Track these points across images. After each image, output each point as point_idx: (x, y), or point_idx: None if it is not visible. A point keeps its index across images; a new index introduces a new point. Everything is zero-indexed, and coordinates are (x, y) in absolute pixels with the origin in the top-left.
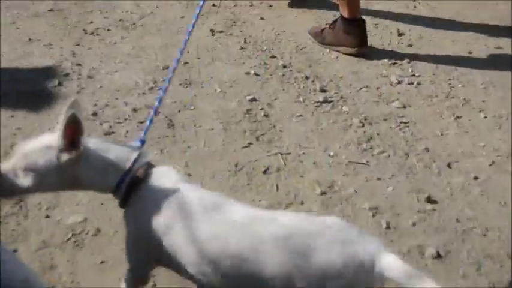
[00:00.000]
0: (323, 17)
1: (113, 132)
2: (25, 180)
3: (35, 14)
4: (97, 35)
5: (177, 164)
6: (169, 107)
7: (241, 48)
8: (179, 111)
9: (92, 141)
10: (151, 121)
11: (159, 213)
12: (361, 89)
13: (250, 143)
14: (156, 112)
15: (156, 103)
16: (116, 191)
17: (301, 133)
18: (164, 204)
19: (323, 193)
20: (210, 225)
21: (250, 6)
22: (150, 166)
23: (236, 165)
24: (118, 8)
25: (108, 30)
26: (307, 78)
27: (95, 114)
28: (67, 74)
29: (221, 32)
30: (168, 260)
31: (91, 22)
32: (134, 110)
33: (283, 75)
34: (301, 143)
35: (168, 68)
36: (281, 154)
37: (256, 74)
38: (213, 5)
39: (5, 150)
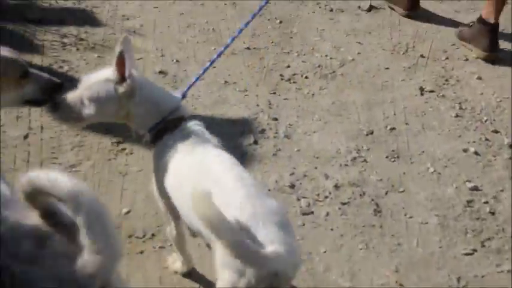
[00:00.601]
0: None
1: (311, 213)
2: (88, 109)
3: (232, 51)
4: (294, 82)
5: (385, 267)
6: (374, 185)
7: (456, 115)
8: (386, 193)
9: (144, 82)
10: (197, 78)
11: (167, 157)
12: None
13: (474, 250)
14: (199, 79)
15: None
16: (149, 131)
17: None
18: (170, 151)
19: None
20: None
21: (465, 60)
22: (181, 119)
23: (458, 280)
24: (317, 51)
25: (306, 77)
26: None
27: (292, 186)
28: (263, 131)
29: (431, 91)
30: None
31: (288, 66)
32: (336, 186)
33: (511, 158)
34: None
35: (372, 133)
36: None
37: (476, 153)
38: (422, 55)
39: None
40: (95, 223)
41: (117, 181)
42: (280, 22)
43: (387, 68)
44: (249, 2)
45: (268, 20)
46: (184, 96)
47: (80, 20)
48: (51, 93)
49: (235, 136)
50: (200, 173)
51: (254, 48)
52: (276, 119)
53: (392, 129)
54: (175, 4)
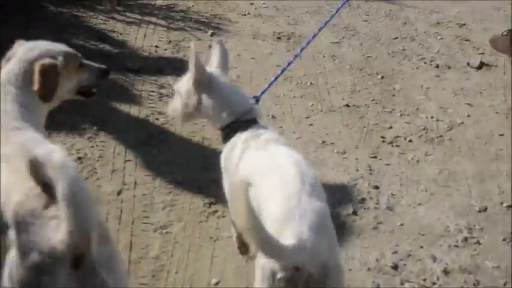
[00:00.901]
0: None
1: None
2: (179, 103)
3: (330, 108)
4: (397, 145)
5: None
6: (490, 274)
7: None
8: (505, 285)
9: (220, 82)
10: (271, 82)
11: (237, 153)
12: None
13: None
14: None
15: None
16: (222, 130)
17: None
18: (236, 149)
19: None
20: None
21: None
22: (251, 121)
23: None
24: (421, 112)
25: (410, 141)
26: None
27: (395, 266)
28: (363, 200)
29: None
30: None
31: (390, 127)
32: (445, 271)
33: None
34: None
35: (485, 210)
36: None
37: None
38: None
39: None
40: (70, 197)
41: (207, 247)
42: (382, 78)
43: (501, 135)
44: (348, 56)
45: (369, 75)
46: (257, 100)
47: (177, 69)
48: (101, 78)
49: (332, 205)
50: (268, 167)
51: (354, 105)
52: (377, 187)
53: (509, 206)
54: (273, 55)
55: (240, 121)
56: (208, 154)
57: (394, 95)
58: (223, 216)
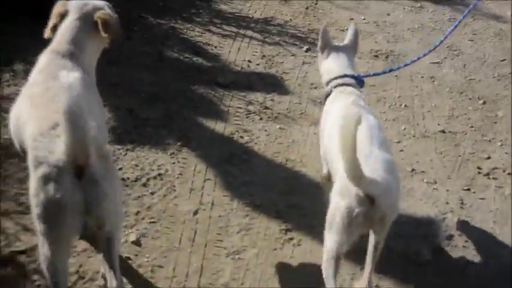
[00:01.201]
0: None
1: None
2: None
3: (423, 134)
4: (494, 178)
5: None
6: None
7: None
8: None
9: (336, 54)
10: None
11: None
12: None
13: None
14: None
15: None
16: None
17: None
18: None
19: None
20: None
21: None
22: (336, 86)
23: None
24: None
25: (509, 174)
26: None
27: None
28: (450, 237)
29: None
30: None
31: (488, 157)
32: None
33: None
34: None
35: None
36: None
37: None
38: None
39: None
40: (68, 114)
41: (280, 276)
42: (484, 103)
43: None
44: (449, 77)
45: (470, 99)
46: (357, 77)
47: (268, 86)
48: None
49: (416, 239)
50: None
51: (450, 131)
52: (466, 222)
53: None
54: None
55: (333, 86)
56: (291, 176)
57: (495, 123)
58: (299, 245)
